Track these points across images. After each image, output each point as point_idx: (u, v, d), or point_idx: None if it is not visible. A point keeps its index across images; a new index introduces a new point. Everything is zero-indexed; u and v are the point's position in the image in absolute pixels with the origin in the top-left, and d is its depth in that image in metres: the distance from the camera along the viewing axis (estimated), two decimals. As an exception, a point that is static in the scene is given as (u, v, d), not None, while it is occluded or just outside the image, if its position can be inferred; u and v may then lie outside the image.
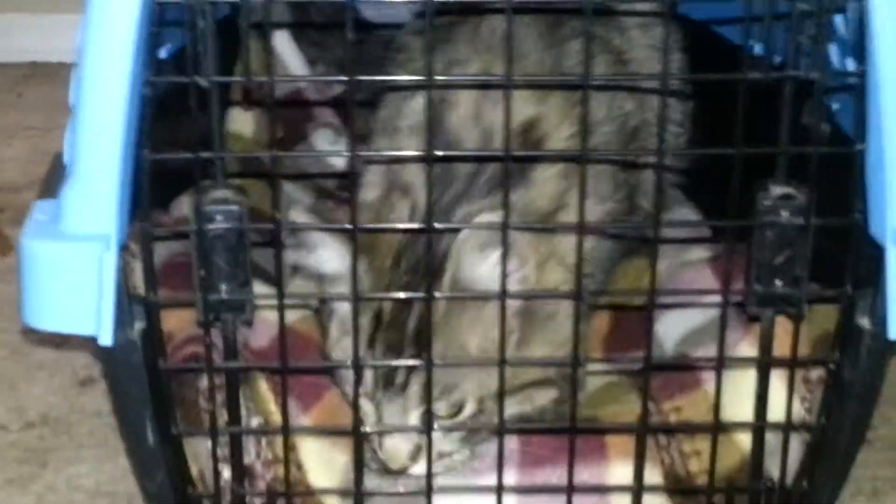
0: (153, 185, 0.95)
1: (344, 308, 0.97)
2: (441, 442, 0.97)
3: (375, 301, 0.95)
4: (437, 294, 0.88)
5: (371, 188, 1.06)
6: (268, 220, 1.15)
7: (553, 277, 1.00)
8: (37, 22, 2.14)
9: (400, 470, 0.96)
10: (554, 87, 1.03)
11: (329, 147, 1.58)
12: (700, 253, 1.28)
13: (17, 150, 1.91)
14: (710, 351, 0.93)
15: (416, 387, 0.95)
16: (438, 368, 0.89)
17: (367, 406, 0.97)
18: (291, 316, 1.10)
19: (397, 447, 0.95)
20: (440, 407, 0.95)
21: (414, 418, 0.96)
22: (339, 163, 1.53)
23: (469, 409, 0.96)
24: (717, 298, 1.02)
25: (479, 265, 0.92)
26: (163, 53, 0.98)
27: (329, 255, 0.97)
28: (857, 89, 0.81)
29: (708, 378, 1.02)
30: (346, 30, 0.76)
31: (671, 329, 1.20)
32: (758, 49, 0.86)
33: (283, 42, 1.62)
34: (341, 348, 0.99)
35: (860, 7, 0.79)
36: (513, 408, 0.98)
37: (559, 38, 1.07)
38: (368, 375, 0.95)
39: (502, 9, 0.78)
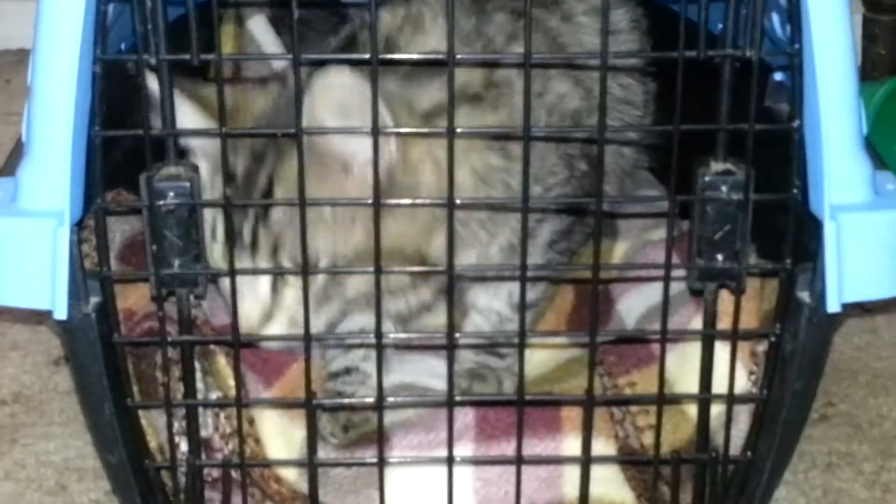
0: (121, 166, 0.97)
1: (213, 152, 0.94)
2: (295, 307, 0.95)
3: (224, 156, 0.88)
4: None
5: None
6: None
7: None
8: (26, 8, 2.15)
9: (249, 333, 0.95)
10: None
11: None
12: (662, 233, 1.30)
13: (1, 135, 1.93)
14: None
15: (264, 244, 0.94)
16: (287, 226, 0.91)
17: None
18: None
19: (249, 311, 0.95)
20: (286, 263, 0.94)
21: (265, 280, 0.95)
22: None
23: (323, 263, 0.94)
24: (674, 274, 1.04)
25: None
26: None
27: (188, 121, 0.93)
28: (793, 67, 0.83)
29: (663, 353, 1.04)
30: (292, 6, 0.78)
31: (633, 307, 1.22)
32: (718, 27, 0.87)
33: (259, 26, 1.64)
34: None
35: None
36: (394, 304, 1.00)
37: (480, 7, 1.07)
38: (218, 231, 0.94)
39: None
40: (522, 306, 0.87)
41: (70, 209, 0.85)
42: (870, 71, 2.02)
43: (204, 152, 0.97)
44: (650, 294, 1.18)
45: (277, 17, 1.66)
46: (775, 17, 0.93)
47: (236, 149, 0.94)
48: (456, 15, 0.99)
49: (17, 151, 0.94)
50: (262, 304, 0.96)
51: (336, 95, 0.87)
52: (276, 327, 0.96)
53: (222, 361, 0.98)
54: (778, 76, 1.06)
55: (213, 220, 0.94)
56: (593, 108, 1.07)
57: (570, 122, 1.07)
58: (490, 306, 1.15)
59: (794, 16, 0.81)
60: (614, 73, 1.17)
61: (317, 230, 0.92)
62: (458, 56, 0.80)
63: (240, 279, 0.90)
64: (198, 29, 0.82)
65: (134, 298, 0.99)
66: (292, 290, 0.96)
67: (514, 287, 1.12)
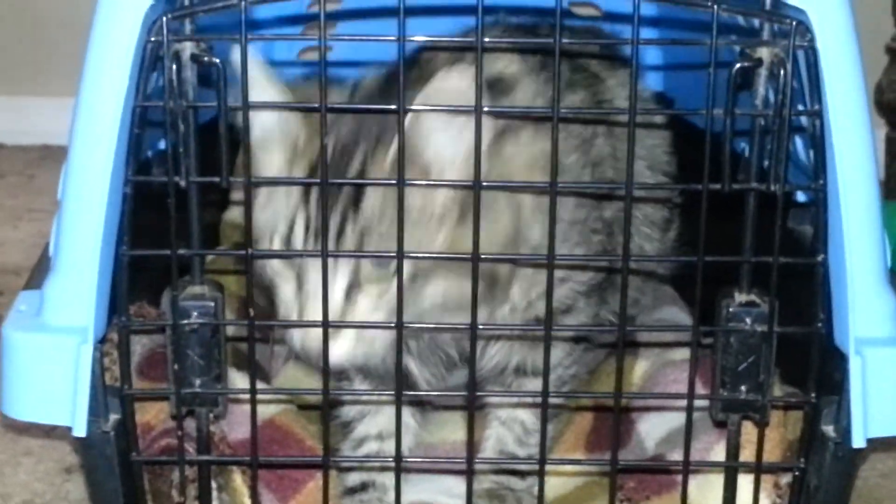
0: (144, 279, 0.98)
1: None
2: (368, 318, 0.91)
3: (311, 151, 0.89)
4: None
5: None
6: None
7: None
8: (50, 104, 2.19)
9: (307, 348, 0.89)
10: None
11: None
12: (684, 353, 1.29)
13: (22, 232, 1.94)
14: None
15: (350, 236, 0.89)
16: (378, 219, 0.87)
17: (286, 272, 0.91)
18: (272, 408, 1.12)
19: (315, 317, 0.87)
20: (368, 268, 0.89)
21: (342, 277, 0.89)
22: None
23: (408, 270, 0.88)
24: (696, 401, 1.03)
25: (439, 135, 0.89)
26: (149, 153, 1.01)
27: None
28: (818, 201, 0.83)
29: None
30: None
31: (653, 429, 1.20)
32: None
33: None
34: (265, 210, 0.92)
35: (817, 123, 0.81)
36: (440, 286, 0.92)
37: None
38: (299, 225, 0.89)
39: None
40: (543, 432, 0.87)
41: (94, 325, 0.85)
42: (893, 189, 2.02)
43: (284, 136, 0.92)
44: (671, 417, 1.17)
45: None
46: (799, 142, 0.94)
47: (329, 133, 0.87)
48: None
49: (43, 264, 0.95)
50: (333, 310, 0.87)
51: (445, 99, 0.85)
52: (345, 343, 0.89)
53: (238, 480, 0.98)
54: (801, 197, 1.06)
55: (294, 207, 0.89)
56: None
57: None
58: (514, 416, 1.14)
59: (818, 150, 0.82)
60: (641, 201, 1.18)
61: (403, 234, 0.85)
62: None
63: (312, 283, 0.86)
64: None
65: (152, 413, 0.99)
66: (368, 300, 0.90)
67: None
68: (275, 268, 0.92)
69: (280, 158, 0.91)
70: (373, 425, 1.12)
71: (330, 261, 0.85)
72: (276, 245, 0.90)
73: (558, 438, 1.21)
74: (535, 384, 1.10)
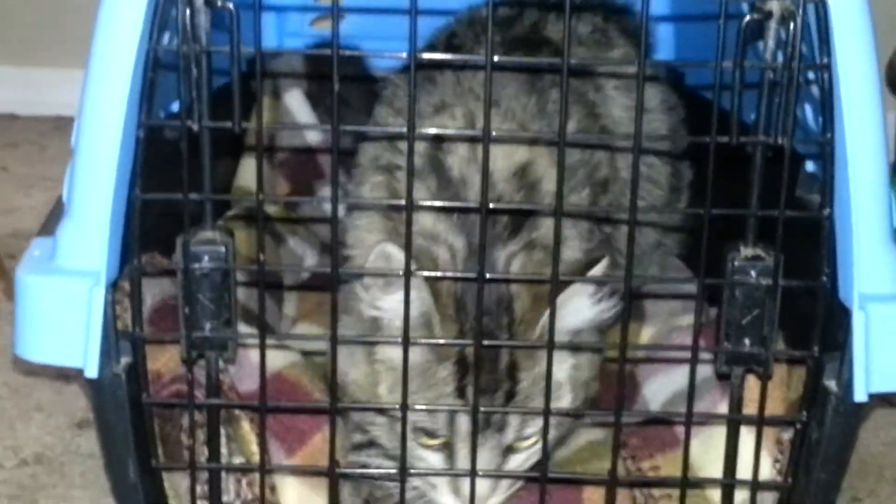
0: (158, 230, 0.99)
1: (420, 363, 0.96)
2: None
3: (455, 349, 0.96)
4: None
5: (368, 231, 1.08)
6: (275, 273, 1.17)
7: None
8: (63, 76, 2.21)
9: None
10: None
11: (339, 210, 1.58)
12: (691, 319, 1.30)
13: (36, 199, 1.96)
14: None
15: (512, 425, 0.96)
16: (524, 403, 0.93)
17: (434, 458, 0.99)
18: (281, 360, 1.12)
19: (481, 488, 0.95)
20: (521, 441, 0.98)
21: (487, 455, 0.96)
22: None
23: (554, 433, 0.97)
24: (701, 358, 1.04)
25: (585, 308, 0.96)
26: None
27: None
28: (825, 156, 0.84)
29: (688, 437, 1.04)
30: (332, 81, 0.80)
31: (659, 391, 1.21)
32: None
33: (295, 100, 1.67)
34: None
35: (826, 77, 0.82)
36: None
37: (539, 87, 1.10)
38: (464, 421, 0.95)
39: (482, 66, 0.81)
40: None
41: (107, 270, 0.86)
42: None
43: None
44: (676, 378, 1.18)
45: (313, 92, 1.69)
46: (808, 109, 0.95)
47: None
48: (518, 94, 1.03)
49: (57, 212, 0.95)
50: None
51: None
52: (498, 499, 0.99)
53: (246, 427, 0.99)
54: (810, 167, 1.07)
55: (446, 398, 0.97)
56: (617, 179, 1.09)
57: (599, 190, 1.09)
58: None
59: (826, 106, 0.83)
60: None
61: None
62: (494, 133, 0.82)
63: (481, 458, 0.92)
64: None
65: (163, 361, 1.00)
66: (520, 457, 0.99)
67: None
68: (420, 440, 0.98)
69: (421, 351, 0.96)
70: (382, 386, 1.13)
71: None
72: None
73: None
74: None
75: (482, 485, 0.95)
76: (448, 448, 0.98)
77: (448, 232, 1.01)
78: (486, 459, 0.95)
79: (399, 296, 0.90)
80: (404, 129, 0.82)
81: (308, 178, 1.65)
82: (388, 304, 0.96)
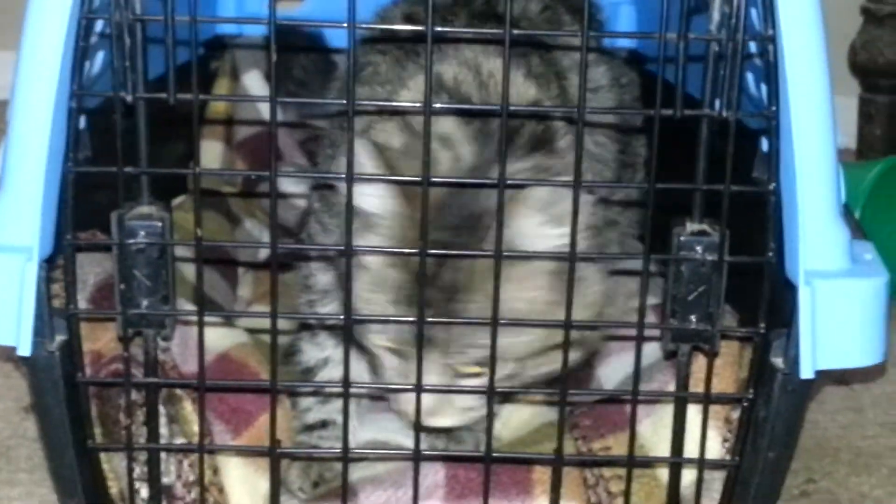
0: (101, 204, 0.97)
1: (376, 264, 0.94)
2: (464, 399, 0.97)
3: (412, 257, 0.91)
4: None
5: (388, 135, 1.02)
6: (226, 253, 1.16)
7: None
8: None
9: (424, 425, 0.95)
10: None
11: (294, 188, 1.58)
12: (648, 300, 1.29)
13: None
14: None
15: (442, 340, 0.93)
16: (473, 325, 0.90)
17: (390, 360, 0.97)
18: (228, 341, 1.11)
19: (427, 402, 0.94)
20: (463, 363, 0.94)
21: (436, 371, 0.94)
22: (301, 203, 1.55)
23: (508, 369, 0.95)
24: (651, 343, 1.03)
25: (530, 224, 0.93)
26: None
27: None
28: (770, 129, 0.83)
29: (639, 419, 1.03)
30: (270, 49, 0.78)
31: (612, 374, 1.20)
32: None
33: (253, 81, 1.65)
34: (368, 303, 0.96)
35: (771, 49, 0.81)
36: (545, 367, 0.98)
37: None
38: (402, 328, 0.93)
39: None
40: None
41: (40, 245, 0.84)
42: (865, 151, 2.02)
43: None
44: (629, 361, 1.16)
45: (279, 72, 1.67)
46: (750, 77, 0.93)
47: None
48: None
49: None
50: (434, 398, 0.95)
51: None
52: (450, 420, 0.98)
53: (188, 408, 0.97)
54: (765, 146, 1.06)
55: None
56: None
57: None
58: None
59: (772, 78, 0.82)
60: (590, 130, 1.17)
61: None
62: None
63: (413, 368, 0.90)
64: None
65: (103, 341, 0.98)
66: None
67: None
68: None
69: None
70: (336, 372, 1.11)
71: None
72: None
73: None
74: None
75: (428, 399, 0.93)
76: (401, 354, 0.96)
77: (462, 138, 0.98)
78: (434, 375, 0.93)
79: (371, 189, 0.91)
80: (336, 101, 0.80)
81: (267, 161, 1.63)
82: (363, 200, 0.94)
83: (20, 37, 0.83)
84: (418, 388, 0.87)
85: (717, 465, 0.94)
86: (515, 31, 0.79)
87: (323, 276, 1.12)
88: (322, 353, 1.13)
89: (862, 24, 2.00)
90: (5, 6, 2.21)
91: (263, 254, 1.48)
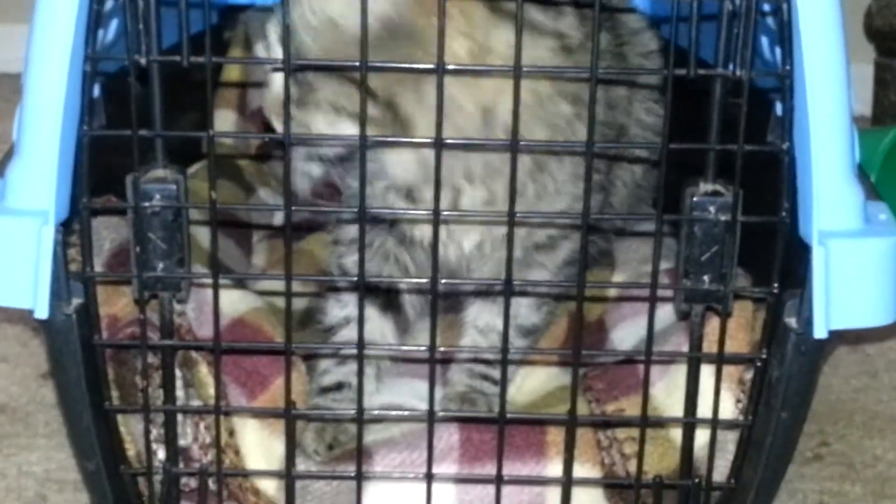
0: (117, 168, 0.97)
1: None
2: None
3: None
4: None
5: None
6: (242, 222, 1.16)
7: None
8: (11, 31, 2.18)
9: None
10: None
11: (303, 161, 1.58)
12: (662, 264, 1.29)
13: (6, 155, 1.94)
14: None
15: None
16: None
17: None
18: (243, 306, 1.12)
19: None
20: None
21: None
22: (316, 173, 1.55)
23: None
24: (665, 306, 1.03)
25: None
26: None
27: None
28: (784, 88, 0.82)
29: (652, 381, 1.03)
30: (284, 14, 0.78)
31: (626, 337, 1.21)
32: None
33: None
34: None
35: (786, 7, 0.80)
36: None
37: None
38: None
39: None
40: (506, 317, 0.86)
41: (56, 209, 0.84)
42: (881, 117, 2.01)
43: None
44: (643, 325, 1.16)
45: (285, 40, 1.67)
46: (764, 40, 0.93)
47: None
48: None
49: (9, 156, 0.94)
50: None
51: None
52: None
53: (204, 370, 0.98)
54: (780, 109, 1.05)
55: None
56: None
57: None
58: (491, 325, 1.15)
59: (785, 37, 0.81)
60: (642, 98, 1.19)
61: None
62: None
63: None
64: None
65: (120, 305, 0.99)
66: None
67: (518, 308, 1.14)
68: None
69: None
70: (356, 332, 1.12)
71: None
72: None
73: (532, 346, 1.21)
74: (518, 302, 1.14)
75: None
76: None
77: None
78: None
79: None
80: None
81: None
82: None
83: (31, 10, 0.84)
84: (431, 349, 0.87)
85: (730, 425, 0.94)
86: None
87: (349, 227, 1.13)
88: (343, 311, 1.14)
89: (877, -12, 1.98)
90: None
91: (278, 220, 1.48)
